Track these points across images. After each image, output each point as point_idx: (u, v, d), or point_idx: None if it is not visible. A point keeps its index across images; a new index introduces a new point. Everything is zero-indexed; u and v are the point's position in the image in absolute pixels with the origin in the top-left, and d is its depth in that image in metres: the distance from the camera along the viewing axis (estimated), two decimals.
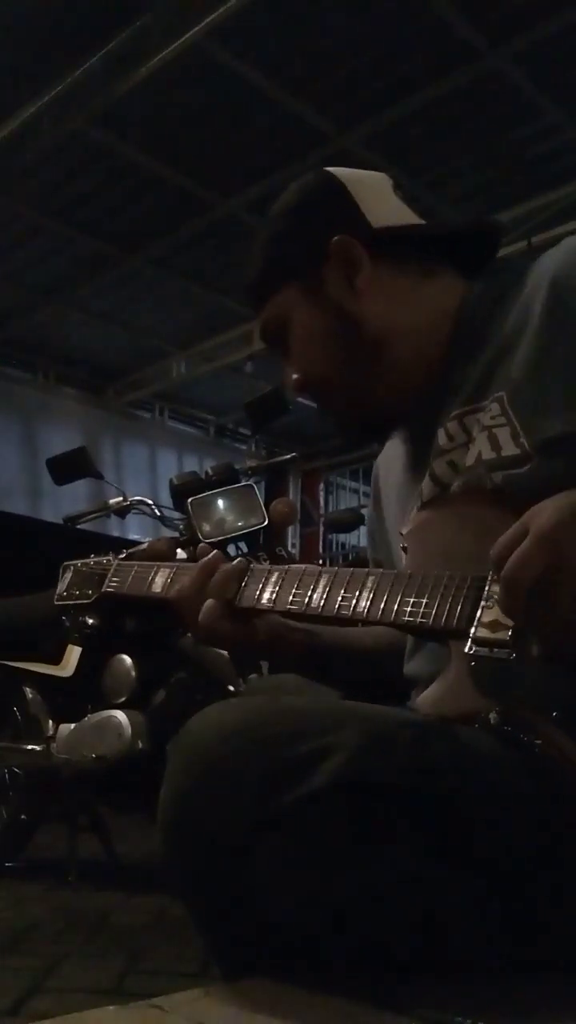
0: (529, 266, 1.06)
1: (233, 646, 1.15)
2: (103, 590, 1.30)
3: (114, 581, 1.29)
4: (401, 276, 1.10)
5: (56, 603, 1.38)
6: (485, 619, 0.87)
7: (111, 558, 1.34)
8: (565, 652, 0.80)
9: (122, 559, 1.33)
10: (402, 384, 1.10)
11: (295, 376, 1.16)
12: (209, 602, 1.08)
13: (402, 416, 1.14)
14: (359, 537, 6.43)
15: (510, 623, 0.83)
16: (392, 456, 1.23)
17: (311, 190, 1.16)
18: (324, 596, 1.01)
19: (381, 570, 1.00)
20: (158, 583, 1.20)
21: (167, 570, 1.21)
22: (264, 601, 1.06)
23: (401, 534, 1.05)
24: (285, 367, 1.18)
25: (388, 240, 1.10)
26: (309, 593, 1.03)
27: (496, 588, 0.84)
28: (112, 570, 1.30)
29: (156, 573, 1.22)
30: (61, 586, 1.37)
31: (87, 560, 1.36)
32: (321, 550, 8.75)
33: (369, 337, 1.09)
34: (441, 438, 1.06)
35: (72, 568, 1.37)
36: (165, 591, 1.19)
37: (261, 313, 1.16)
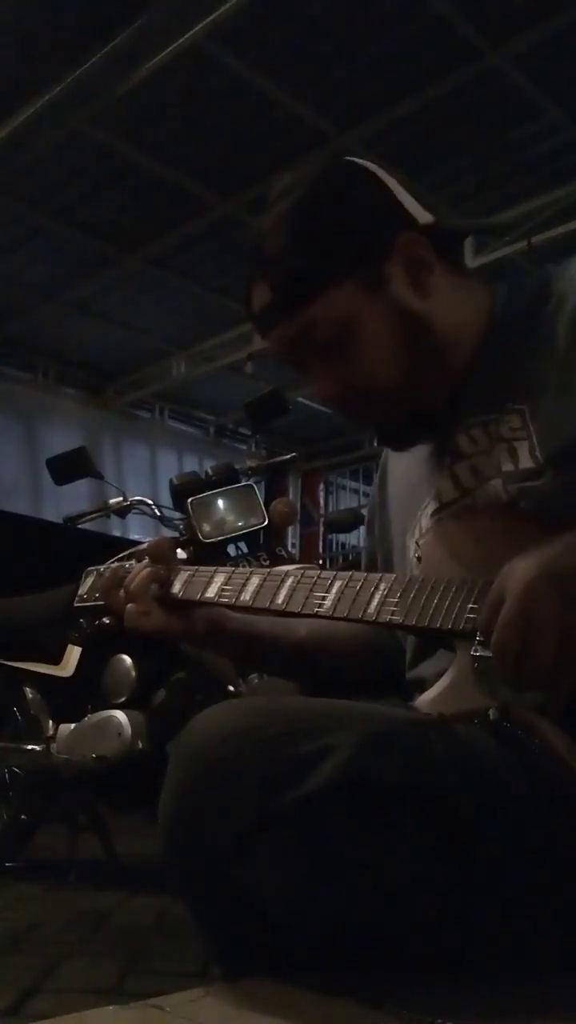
0: (555, 274, 1.05)
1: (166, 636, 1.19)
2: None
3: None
4: (451, 276, 1.08)
5: (76, 605, 1.39)
6: None
7: (133, 563, 1.34)
8: (556, 699, 0.81)
9: (145, 564, 1.33)
10: (451, 385, 1.07)
11: (336, 385, 1.07)
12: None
13: (441, 417, 1.10)
14: (359, 537, 6.42)
15: None
16: (405, 455, 1.22)
17: (344, 176, 1.08)
18: (338, 598, 1.02)
19: (393, 575, 1.00)
20: (176, 586, 1.21)
21: (186, 573, 1.21)
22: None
23: (418, 544, 1.06)
24: (319, 374, 1.07)
25: (440, 235, 1.07)
26: (323, 595, 1.04)
27: None
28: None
29: (175, 576, 1.22)
30: (82, 589, 1.38)
31: (109, 564, 1.37)
32: (321, 550, 8.75)
33: (438, 338, 1.05)
34: (464, 443, 1.05)
35: (95, 572, 1.38)
36: (183, 593, 1.20)
37: (301, 314, 1.03)
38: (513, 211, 5.30)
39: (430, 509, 1.09)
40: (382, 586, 0.99)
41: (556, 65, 4.32)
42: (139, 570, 1.18)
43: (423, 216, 1.07)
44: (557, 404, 0.97)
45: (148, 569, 1.17)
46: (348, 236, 1.03)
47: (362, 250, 1.03)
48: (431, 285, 1.05)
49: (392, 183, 1.07)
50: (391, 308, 1.03)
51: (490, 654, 0.86)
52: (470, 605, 0.90)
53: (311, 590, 1.05)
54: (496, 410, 1.02)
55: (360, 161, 1.09)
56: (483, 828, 0.85)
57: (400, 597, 0.96)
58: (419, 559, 1.04)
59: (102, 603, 1.30)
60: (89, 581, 1.38)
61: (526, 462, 0.98)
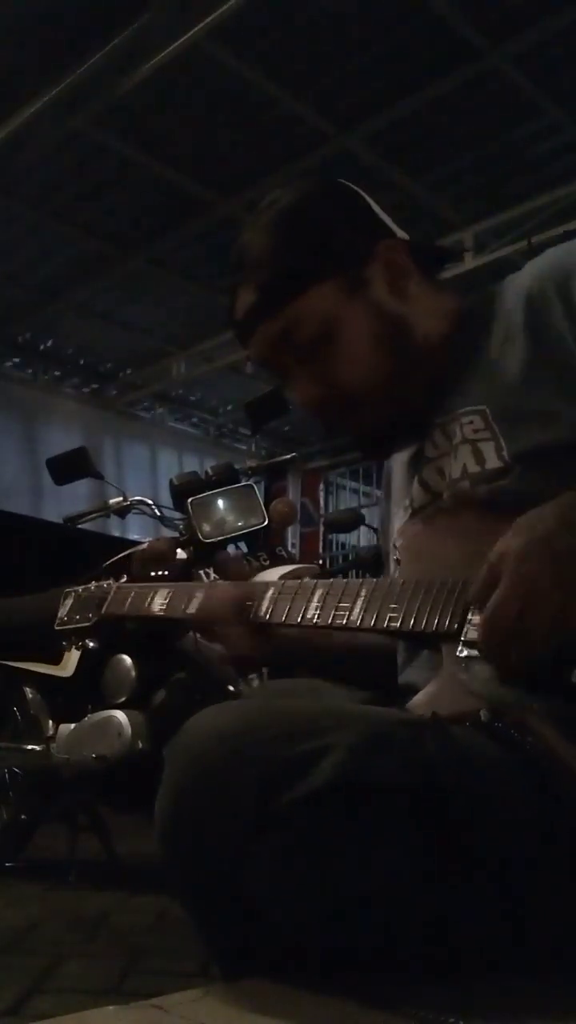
0: (510, 279, 1.08)
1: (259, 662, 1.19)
2: (102, 613, 1.32)
3: (113, 605, 1.32)
4: (425, 286, 1.11)
5: (56, 628, 1.40)
6: (475, 621, 0.89)
7: (111, 582, 1.36)
8: (541, 668, 0.84)
9: (121, 584, 1.35)
10: (428, 393, 1.10)
11: (317, 388, 1.08)
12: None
13: (419, 423, 1.14)
14: (359, 537, 6.43)
15: None
16: (399, 457, 1.24)
17: (329, 190, 1.13)
18: (320, 607, 1.03)
19: (373, 580, 1.01)
20: (156, 604, 1.22)
21: (165, 591, 1.22)
22: (265, 615, 1.09)
23: (395, 547, 1.07)
24: (299, 377, 1.09)
25: (417, 250, 1.11)
26: (304, 605, 1.05)
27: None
28: (111, 595, 1.33)
29: (155, 595, 1.24)
30: (62, 612, 1.39)
31: (87, 586, 1.38)
32: (321, 550, 8.75)
33: (416, 342, 1.08)
34: (428, 447, 1.08)
35: (73, 594, 1.39)
36: (165, 611, 1.21)
37: (284, 312, 1.06)
38: (513, 211, 5.31)
39: (406, 514, 1.12)
40: (363, 592, 1.00)
41: (556, 65, 4.33)
42: (223, 596, 1.16)
43: (401, 233, 1.12)
44: (519, 401, 0.99)
45: (232, 592, 1.15)
46: (331, 238, 1.08)
47: (344, 252, 1.07)
48: (409, 291, 1.09)
49: (374, 204, 1.13)
50: (371, 309, 1.06)
51: (476, 654, 0.87)
52: (451, 605, 0.91)
53: (293, 600, 1.06)
54: (454, 410, 1.05)
55: (346, 183, 1.15)
56: (480, 827, 0.85)
57: (383, 602, 0.97)
58: (398, 562, 1.05)
59: (84, 625, 1.31)
60: (68, 603, 1.39)
61: (493, 462, 0.99)
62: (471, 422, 1.02)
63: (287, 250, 1.07)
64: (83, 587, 1.39)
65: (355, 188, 1.14)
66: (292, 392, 1.12)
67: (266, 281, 1.07)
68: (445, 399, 1.07)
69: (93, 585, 1.37)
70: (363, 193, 1.13)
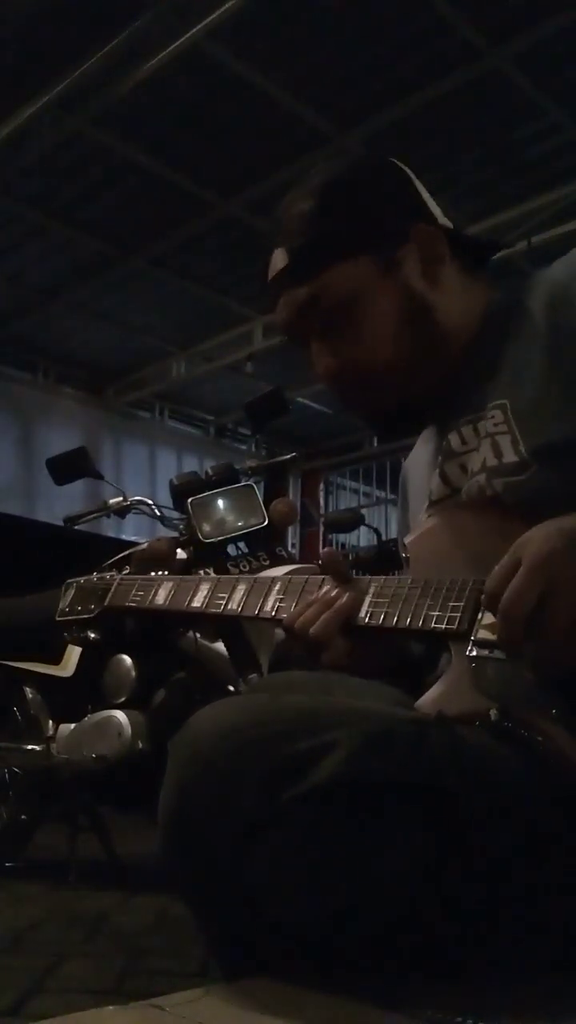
0: (538, 276, 1.08)
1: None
2: (105, 605, 1.31)
3: (116, 596, 1.30)
4: (458, 276, 1.11)
5: (58, 619, 1.38)
6: (485, 621, 0.88)
7: (113, 574, 1.35)
8: (560, 670, 0.82)
9: (124, 576, 1.34)
10: (445, 379, 1.10)
11: (336, 360, 1.09)
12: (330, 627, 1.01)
13: (431, 412, 1.14)
14: (359, 537, 6.42)
15: None
16: (418, 459, 1.24)
17: (378, 165, 1.13)
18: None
19: (382, 577, 1.01)
20: (161, 596, 1.21)
21: (170, 583, 1.21)
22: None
23: (403, 543, 1.06)
24: (320, 348, 1.10)
25: (457, 240, 1.11)
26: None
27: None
28: (115, 586, 1.31)
29: (159, 587, 1.23)
30: (63, 603, 1.38)
31: (90, 577, 1.37)
32: (321, 550, 8.74)
33: (438, 329, 1.08)
34: (454, 441, 1.07)
35: (75, 585, 1.38)
36: (167, 604, 1.20)
37: (314, 280, 1.07)
38: (513, 211, 5.30)
39: (425, 508, 1.11)
40: (372, 588, 0.99)
41: (556, 65, 4.32)
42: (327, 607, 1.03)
43: (443, 220, 1.12)
44: (538, 396, 0.99)
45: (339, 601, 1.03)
46: (370, 214, 1.08)
47: (382, 230, 1.07)
48: (441, 278, 1.08)
49: (421, 187, 1.12)
50: (400, 290, 1.06)
51: (486, 654, 0.86)
52: (461, 604, 0.90)
53: (300, 595, 1.06)
54: (483, 407, 1.04)
55: (396, 161, 1.14)
56: (484, 825, 0.85)
57: (391, 599, 0.97)
58: (407, 559, 1.04)
59: (86, 616, 1.30)
60: (70, 594, 1.38)
61: (510, 456, 0.98)
62: (493, 416, 1.02)
63: (324, 219, 1.07)
64: (85, 578, 1.38)
65: (405, 168, 1.12)
66: (312, 362, 1.12)
67: (300, 247, 1.07)
68: (472, 395, 1.06)
69: (95, 576, 1.36)
70: (412, 175, 1.12)
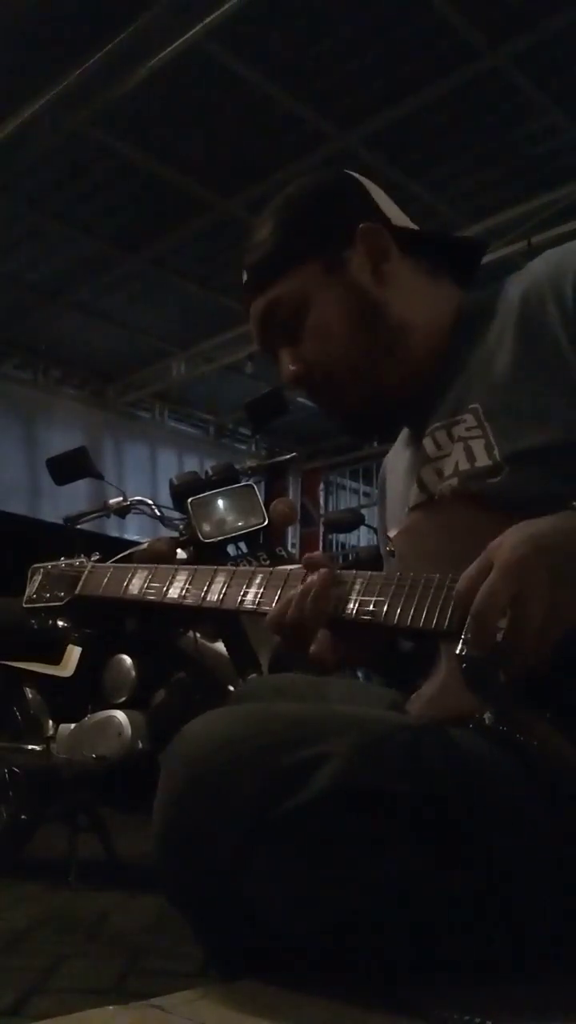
0: (517, 274, 1.08)
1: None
2: (76, 593, 1.28)
3: (88, 585, 1.27)
4: (415, 274, 1.12)
5: (25, 606, 1.35)
6: None
7: (83, 560, 1.32)
8: (530, 671, 0.80)
9: (95, 561, 1.31)
10: (410, 379, 1.10)
11: (297, 365, 1.12)
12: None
13: (403, 413, 1.15)
14: (359, 537, 6.43)
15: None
16: (396, 458, 1.24)
17: (330, 179, 1.17)
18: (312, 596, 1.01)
19: (369, 572, 1.00)
20: (135, 585, 1.19)
21: (145, 572, 1.19)
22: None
23: (389, 538, 1.06)
24: (284, 355, 1.13)
25: (407, 238, 1.12)
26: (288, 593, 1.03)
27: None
28: (86, 573, 1.29)
29: (133, 575, 1.20)
30: (30, 589, 1.35)
31: (57, 562, 1.34)
32: (321, 550, 8.74)
33: (391, 325, 1.09)
34: (428, 446, 1.08)
35: (42, 571, 1.35)
36: (142, 593, 1.18)
37: (269, 291, 1.12)
38: (513, 211, 5.30)
39: (404, 513, 1.12)
40: (357, 584, 0.99)
41: (556, 65, 4.32)
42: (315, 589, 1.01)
43: (399, 220, 1.14)
44: (510, 399, 0.99)
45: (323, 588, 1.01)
46: (317, 221, 1.12)
47: (324, 234, 1.11)
48: (389, 275, 1.10)
49: (376, 191, 1.15)
50: (348, 290, 1.09)
51: (476, 654, 0.85)
52: (451, 605, 0.90)
53: (283, 587, 1.05)
54: (457, 412, 1.04)
55: (353, 174, 1.17)
56: (480, 830, 0.85)
57: (379, 595, 0.96)
58: (392, 553, 1.04)
59: (56, 604, 1.28)
60: (37, 580, 1.35)
61: (483, 460, 0.99)
62: (465, 420, 1.02)
63: (276, 232, 1.12)
64: (52, 564, 1.34)
65: (359, 178, 1.15)
66: (280, 370, 1.15)
67: (256, 261, 1.14)
68: (447, 398, 1.07)
69: (63, 562, 1.33)
70: (366, 183, 1.15)
